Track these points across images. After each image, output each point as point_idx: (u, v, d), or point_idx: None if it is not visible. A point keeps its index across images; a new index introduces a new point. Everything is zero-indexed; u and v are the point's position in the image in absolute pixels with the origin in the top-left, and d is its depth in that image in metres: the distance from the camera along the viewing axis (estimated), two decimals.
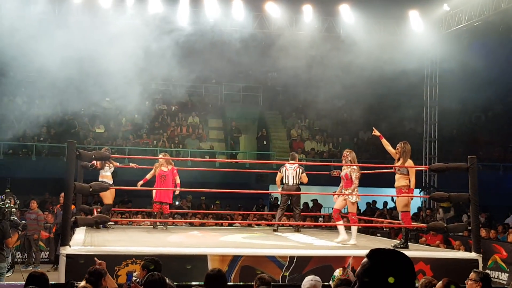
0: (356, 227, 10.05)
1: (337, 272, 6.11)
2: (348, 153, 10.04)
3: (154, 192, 12.12)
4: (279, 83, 24.70)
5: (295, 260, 8.30)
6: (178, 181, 11.98)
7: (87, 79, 20.80)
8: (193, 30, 18.33)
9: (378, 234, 14.34)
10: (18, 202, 11.04)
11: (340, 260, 8.32)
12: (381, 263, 2.76)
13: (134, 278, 5.94)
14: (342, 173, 10.08)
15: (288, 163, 12.11)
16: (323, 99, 20.80)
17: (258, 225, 13.48)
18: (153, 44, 16.98)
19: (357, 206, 10.39)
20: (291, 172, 12.01)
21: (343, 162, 10.12)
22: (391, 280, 2.66)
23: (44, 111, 21.43)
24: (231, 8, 18.28)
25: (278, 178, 12.05)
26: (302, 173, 12.12)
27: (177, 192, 12.58)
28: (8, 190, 8.76)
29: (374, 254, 2.82)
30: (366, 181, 17.42)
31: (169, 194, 12.07)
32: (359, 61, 17.94)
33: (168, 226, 12.15)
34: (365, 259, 2.83)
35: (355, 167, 9.86)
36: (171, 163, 12.09)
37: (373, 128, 10.36)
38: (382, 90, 22.22)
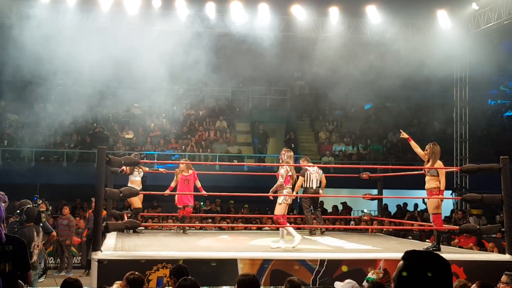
0: (290, 228, 9.44)
1: (374, 275, 6.02)
2: (284, 152, 9.58)
3: (176, 198, 12.19)
4: (307, 86, 24.64)
5: (325, 263, 8.24)
6: (199, 184, 12.06)
7: (116, 85, 21.02)
8: (219, 35, 18.40)
9: (409, 237, 14.19)
10: (50, 208, 11.18)
11: (371, 263, 8.24)
12: (417, 265, 2.71)
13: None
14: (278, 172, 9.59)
15: (310, 167, 12.01)
16: (351, 101, 20.72)
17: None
18: (180, 49, 17.05)
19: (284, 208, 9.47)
20: (314, 175, 11.94)
21: (280, 161, 9.69)
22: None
23: (74, 117, 21.69)
24: (257, 12, 18.28)
25: (300, 183, 11.90)
26: (322, 175, 12.05)
27: (205, 195, 12.65)
28: (37, 196, 8.85)
29: (410, 256, 2.77)
30: (396, 183, 17.38)
31: (192, 197, 12.18)
32: (387, 63, 17.80)
33: (190, 230, 12.29)
34: (400, 262, 2.79)
35: (286, 166, 9.39)
36: (191, 167, 12.18)
37: (401, 130, 10.19)
38: (411, 91, 22.04)
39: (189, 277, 5.50)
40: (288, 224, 9.69)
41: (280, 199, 9.31)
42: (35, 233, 7.90)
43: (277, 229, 11.95)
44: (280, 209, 9.32)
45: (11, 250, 4.71)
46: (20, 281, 4.93)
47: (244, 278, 5.38)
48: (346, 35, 18.66)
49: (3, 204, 4.84)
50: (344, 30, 18.68)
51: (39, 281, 9.37)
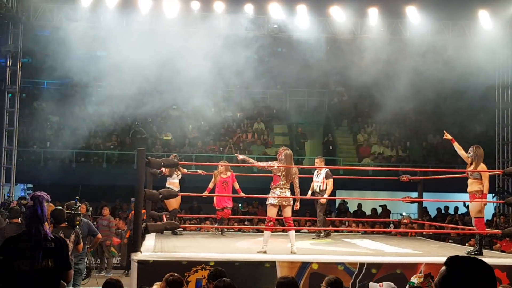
0: (268, 233, 8.86)
1: (415, 279, 5.91)
2: (281, 151, 9.18)
3: (215, 200, 12.22)
4: (345, 87, 24.48)
5: (365, 267, 8.15)
6: (237, 186, 12.06)
7: (155, 87, 21.22)
8: (257, 37, 18.40)
9: (450, 241, 13.96)
10: (90, 208, 11.33)
11: (411, 267, 8.12)
12: (460, 271, 2.65)
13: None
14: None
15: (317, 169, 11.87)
16: (390, 102, 20.48)
17: (325, 231, 13.33)
18: (218, 51, 17.12)
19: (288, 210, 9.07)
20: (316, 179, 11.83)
21: (278, 160, 9.21)
22: None
23: (113, 119, 21.98)
24: (296, 13, 18.24)
25: (331, 185, 11.70)
26: (328, 179, 11.81)
27: (244, 197, 12.65)
28: (78, 197, 8.96)
29: (453, 262, 2.71)
30: (436, 186, 17.14)
31: (230, 199, 12.19)
32: (427, 64, 17.57)
33: (228, 232, 12.34)
34: (443, 268, 2.73)
35: (278, 164, 9.05)
36: (230, 169, 12.18)
37: (444, 132, 10.00)
38: (452, 93, 21.65)
39: (225, 279, 5.51)
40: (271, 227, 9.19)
41: (268, 200, 8.99)
42: (62, 235, 7.97)
43: (317, 231, 11.91)
44: (268, 210, 9.03)
45: (53, 247, 4.82)
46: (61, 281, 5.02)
47: (283, 281, 5.35)
48: (386, 36, 18.47)
49: (46, 204, 4.93)
50: (384, 31, 18.50)
51: (82, 282, 9.51)
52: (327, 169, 11.74)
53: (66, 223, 8.19)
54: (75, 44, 16.43)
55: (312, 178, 11.82)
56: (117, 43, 16.84)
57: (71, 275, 5.12)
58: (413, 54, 17.76)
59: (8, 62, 18.38)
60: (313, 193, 11.69)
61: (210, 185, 12.10)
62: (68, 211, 8.29)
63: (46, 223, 4.95)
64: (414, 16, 18.31)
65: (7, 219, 10.31)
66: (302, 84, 23.89)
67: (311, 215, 13.43)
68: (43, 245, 4.77)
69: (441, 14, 18.06)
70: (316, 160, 11.97)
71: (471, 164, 9.26)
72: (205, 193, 11.92)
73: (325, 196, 11.47)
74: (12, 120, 18.45)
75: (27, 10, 17.85)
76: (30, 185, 22.20)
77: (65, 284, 5.20)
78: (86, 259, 10.24)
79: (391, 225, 16.61)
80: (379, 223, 16.09)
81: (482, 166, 9.17)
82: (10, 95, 18.48)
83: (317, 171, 11.74)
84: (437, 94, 21.66)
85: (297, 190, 9.35)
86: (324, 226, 11.92)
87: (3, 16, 17.20)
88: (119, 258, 15.44)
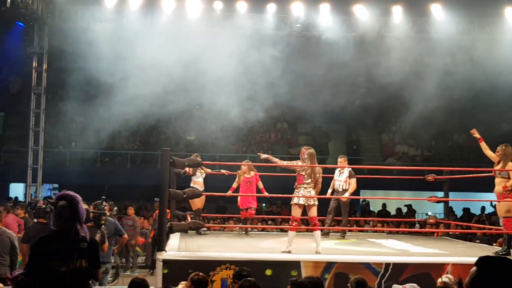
0: (292, 233, 8.84)
1: (445, 279, 5.85)
2: (304, 150, 9.13)
3: (239, 199, 12.22)
4: (369, 86, 24.31)
5: (390, 267, 8.07)
6: (261, 185, 12.04)
7: (178, 87, 21.27)
8: (280, 36, 18.36)
9: (477, 241, 13.78)
10: (115, 208, 11.38)
11: (438, 268, 8.03)
12: (491, 271, 2.60)
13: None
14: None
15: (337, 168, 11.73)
16: (415, 101, 20.30)
17: (350, 231, 13.26)
18: (241, 51, 17.11)
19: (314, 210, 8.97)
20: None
21: (300, 159, 9.16)
22: None
23: (137, 120, 22.10)
24: (319, 13, 18.16)
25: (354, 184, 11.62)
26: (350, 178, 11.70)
27: (268, 196, 12.64)
28: (104, 197, 9.01)
29: (484, 262, 2.66)
30: (462, 185, 16.94)
31: (255, 198, 12.16)
32: (452, 62, 17.37)
33: (251, 232, 12.33)
34: (473, 268, 2.68)
35: (301, 163, 9.02)
36: (253, 169, 12.15)
37: (473, 130, 9.77)
38: (478, 91, 21.37)
39: (250, 278, 5.50)
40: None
41: (293, 200, 8.96)
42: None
43: (341, 231, 11.82)
44: (292, 210, 8.99)
45: (86, 247, 4.84)
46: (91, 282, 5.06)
47: (308, 280, 5.33)
48: (410, 34, 18.30)
49: (81, 204, 4.95)
50: (408, 29, 18.34)
51: (113, 282, 9.57)
52: (350, 168, 11.65)
53: (92, 223, 8.24)
54: (100, 45, 16.54)
55: (333, 177, 11.68)
56: (140, 43, 16.94)
57: (100, 274, 5.16)
58: (439, 53, 17.59)
59: (34, 64, 18.57)
60: (334, 192, 11.57)
61: (234, 185, 12.10)
62: (94, 211, 8.34)
63: (82, 223, 4.96)
64: (439, 14, 18.12)
65: (34, 219, 10.41)
66: (325, 83, 23.74)
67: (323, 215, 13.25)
68: (78, 245, 4.80)
69: (467, 12, 17.86)
70: (340, 159, 11.81)
71: (498, 163, 9.13)
72: (229, 193, 11.93)
73: (347, 195, 11.39)
74: (38, 121, 18.64)
75: (52, 12, 18.03)
76: (56, 185, 22.43)
77: (94, 283, 5.24)
78: (112, 259, 10.29)
79: (417, 225, 16.44)
80: (404, 223, 15.94)
81: (510, 165, 9.03)
82: (35, 96, 18.66)
83: (339, 170, 11.61)
84: (463, 93, 21.38)
85: (318, 190, 9.30)
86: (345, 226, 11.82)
87: (28, 18, 17.39)
88: (144, 258, 15.52)
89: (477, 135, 9.53)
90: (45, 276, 4.71)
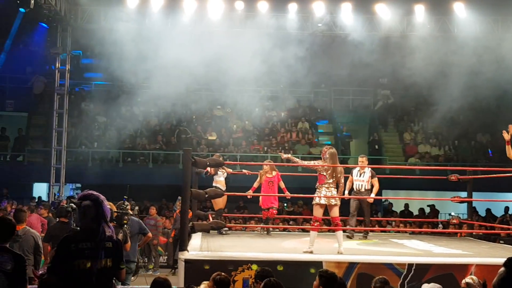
0: (314, 233, 8.80)
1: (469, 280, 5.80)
2: (325, 150, 9.08)
3: (260, 199, 12.20)
4: (390, 86, 24.18)
5: (413, 267, 8.01)
6: (283, 185, 12.01)
7: (199, 87, 21.36)
8: (301, 35, 18.32)
9: (501, 241, 13.61)
10: (136, 208, 11.43)
11: (462, 268, 7.95)
12: None
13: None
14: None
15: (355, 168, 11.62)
16: (437, 101, 20.15)
17: (372, 231, 13.18)
18: (262, 51, 17.11)
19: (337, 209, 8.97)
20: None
21: (322, 159, 9.11)
22: None
23: (159, 120, 22.24)
24: (340, 12, 18.10)
25: (376, 184, 11.53)
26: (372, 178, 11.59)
27: (288, 197, 12.61)
28: (126, 197, 9.07)
29: None
30: (485, 186, 16.76)
31: (276, 198, 12.14)
32: (475, 61, 17.19)
33: (273, 232, 12.28)
34: (502, 269, 2.65)
35: (322, 163, 8.97)
36: (275, 169, 12.14)
37: (507, 130, 9.43)
38: (501, 90, 21.15)
39: (273, 278, 5.50)
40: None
41: (314, 200, 8.92)
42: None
43: (363, 232, 11.74)
44: (314, 210, 8.97)
45: (111, 246, 4.87)
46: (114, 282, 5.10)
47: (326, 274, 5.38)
48: (433, 33, 18.15)
49: (106, 204, 4.99)
50: (431, 28, 18.20)
51: (131, 279, 9.61)
52: (370, 168, 11.58)
53: (115, 222, 8.29)
54: (122, 45, 16.65)
55: (350, 177, 11.53)
56: (162, 44, 17.01)
57: (124, 273, 5.19)
58: (462, 52, 17.39)
59: (57, 64, 18.73)
60: (352, 192, 11.47)
61: (255, 185, 12.09)
62: (116, 211, 8.39)
63: (108, 222, 5.00)
64: (461, 12, 17.95)
65: (57, 218, 10.49)
66: (347, 82, 23.67)
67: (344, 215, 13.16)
68: (103, 244, 4.83)
69: (490, 10, 17.68)
70: (361, 159, 11.68)
71: None
72: (250, 193, 11.92)
73: (373, 195, 11.31)
74: (61, 121, 18.80)
75: (75, 13, 18.20)
76: (78, 185, 22.62)
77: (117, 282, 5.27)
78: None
79: (440, 225, 16.30)
80: (426, 223, 15.81)
81: None
82: (59, 96, 18.83)
83: (359, 170, 11.51)
84: (488, 92, 21.16)
85: (341, 189, 9.27)
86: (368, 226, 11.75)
87: (52, 19, 17.56)
88: (166, 257, 15.58)
89: (507, 137, 9.22)
90: (71, 274, 4.75)
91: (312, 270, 7.77)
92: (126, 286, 8.52)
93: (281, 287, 5.36)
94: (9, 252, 5.12)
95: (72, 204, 8.82)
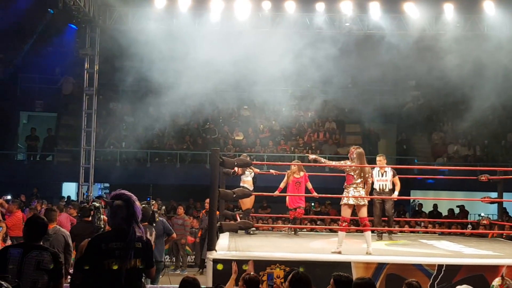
0: (342, 233, 8.80)
1: (496, 282, 5.72)
2: (352, 150, 9.03)
3: (287, 199, 12.17)
4: (419, 85, 23.95)
5: (443, 269, 7.92)
6: (310, 186, 11.97)
7: (226, 87, 21.39)
8: (329, 35, 18.22)
9: None
10: (163, 208, 11.51)
11: (492, 270, 7.84)
12: None
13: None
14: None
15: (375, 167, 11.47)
16: (466, 100, 19.91)
17: (401, 231, 13.08)
18: (289, 51, 17.09)
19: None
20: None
21: (349, 159, 9.04)
22: None
23: (186, 120, 22.33)
24: (368, 11, 17.98)
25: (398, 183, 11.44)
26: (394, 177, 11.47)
27: (317, 197, 12.56)
28: (151, 196, 9.12)
29: None
30: None
31: (303, 198, 12.11)
32: (506, 60, 16.94)
33: (300, 232, 12.25)
34: None
35: (350, 163, 8.91)
36: (303, 169, 12.10)
37: None
38: None
39: (301, 271, 5.47)
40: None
41: (342, 200, 8.91)
42: (148, 233, 8.13)
43: (388, 232, 11.64)
44: (342, 210, 8.94)
45: (140, 247, 4.89)
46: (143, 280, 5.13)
47: (360, 281, 5.27)
48: (462, 32, 17.93)
49: (138, 204, 5.02)
50: (460, 26, 17.98)
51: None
52: (390, 167, 11.50)
53: (147, 222, 8.38)
54: (150, 46, 16.76)
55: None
56: (190, 44, 17.08)
57: (154, 272, 5.22)
58: (493, 51, 17.15)
59: (86, 65, 18.91)
60: (374, 192, 11.35)
61: (282, 185, 12.07)
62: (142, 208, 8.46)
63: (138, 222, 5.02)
64: (491, 10, 17.70)
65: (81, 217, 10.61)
66: (374, 82, 23.50)
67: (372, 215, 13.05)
68: (133, 245, 4.85)
69: None
70: (380, 158, 11.54)
71: None
72: (277, 193, 11.91)
73: (396, 193, 11.23)
74: (90, 122, 18.97)
75: (103, 14, 18.35)
76: (107, 185, 22.83)
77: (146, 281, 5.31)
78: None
79: (469, 226, 16.09)
80: (456, 224, 15.62)
81: None
82: (87, 97, 19.00)
83: (379, 170, 11.38)
84: None
85: (368, 189, 9.22)
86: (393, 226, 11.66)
87: (81, 20, 17.74)
88: (194, 257, 15.63)
89: None
90: (100, 273, 4.78)
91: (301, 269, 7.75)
92: (155, 285, 8.58)
93: (308, 280, 5.32)
94: (47, 250, 5.19)
95: (95, 203, 8.95)
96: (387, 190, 11.26)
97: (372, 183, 10.89)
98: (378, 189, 11.28)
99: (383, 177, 11.29)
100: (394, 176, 11.30)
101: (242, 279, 5.66)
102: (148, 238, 5.21)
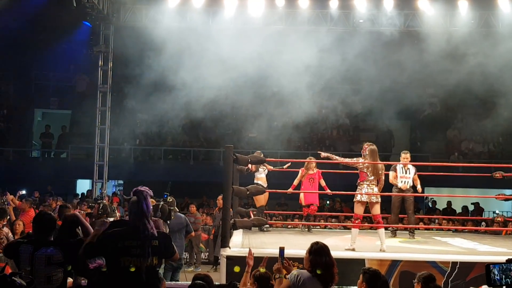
0: (355, 230, 8.91)
1: None
2: (365, 147, 9.03)
3: (301, 196, 12.17)
4: (432, 82, 23.81)
5: (457, 266, 7.90)
6: (323, 183, 11.97)
7: (241, 85, 21.37)
8: (342, 32, 18.16)
9: None
10: (175, 205, 11.52)
11: None
12: None
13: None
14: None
15: (398, 164, 11.40)
16: (480, 97, 19.79)
17: (416, 229, 13.02)
18: (303, 48, 17.04)
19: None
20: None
21: (362, 156, 9.06)
22: None
23: (199, 117, 22.34)
24: (381, 7, 17.89)
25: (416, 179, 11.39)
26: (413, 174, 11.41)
27: (330, 194, 12.57)
28: (168, 193, 9.16)
29: None
30: None
31: (317, 195, 12.10)
32: None
33: (314, 229, 12.27)
34: None
35: (363, 161, 8.92)
36: (316, 166, 12.12)
37: None
38: None
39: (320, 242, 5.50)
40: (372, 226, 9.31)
41: (356, 197, 8.95)
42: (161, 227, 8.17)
43: (409, 230, 11.57)
44: (355, 207, 8.95)
45: (157, 245, 4.89)
46: (160, 275, 5.14)
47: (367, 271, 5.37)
48: (476, 28, 17.80)
49: (148, 200, 5.01)
50: (474, 23, 17.85)
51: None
52: (412, 164, 11.46)
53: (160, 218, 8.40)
54: (163, 43, 16.78)
55: (393, 173, 11.35)
56: (203, 41, 17.09)
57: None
58: (506, 47, 17.01)
59: (100, 63, 18.98)
60: (394, 189, 11.32)
61: (295, 182, 12.08)
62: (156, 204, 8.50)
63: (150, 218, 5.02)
64: (505, 7, 17.54)
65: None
66: (387, 79, 23.39)
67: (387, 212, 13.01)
68: (150, 243, 4.86)
69: None
70: (405, 155, 11.46)
71: None
72: (290, 190, 11.92)
73: (419, 187, 11.21)
74: (104, 119, 19.05)
75: (117, 11, 18.40)
76: (120, 181, 22.93)
77: (163, 278, 5.32)
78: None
79: (483, 224, 16.01)
80: (470, 221, 15.55)
81: None
82: (101, 94, 19.08)
83: (402, 167, 11.32)
84: None
85: (381, 186, 9.21)
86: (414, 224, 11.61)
87: (95, 18, 17.81)
88: (207, 254, 15.67)
89: None
90: (116, 272, 4.78)
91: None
92: (174, 282, 8.60)
93: (327, 249, 5.42)
94: (57, 245, 5.17)
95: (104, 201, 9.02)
96: (408, 187, 11.20)
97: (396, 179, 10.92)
98: (401, 186, 11.21)
99: (407, 174, 11.22)
100: (415, 173, 11.25)
101: (253, 277, 5.67)
102: (163, 233, 5.21)
